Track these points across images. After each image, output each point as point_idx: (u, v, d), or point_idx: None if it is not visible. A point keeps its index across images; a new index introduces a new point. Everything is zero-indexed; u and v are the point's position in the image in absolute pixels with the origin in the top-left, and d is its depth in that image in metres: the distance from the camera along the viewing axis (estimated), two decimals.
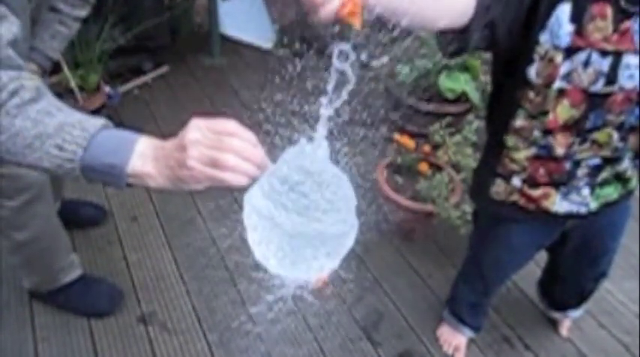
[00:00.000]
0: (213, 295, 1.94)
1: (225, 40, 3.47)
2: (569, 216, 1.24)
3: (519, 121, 1.10)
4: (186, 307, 1.89)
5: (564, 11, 0.91)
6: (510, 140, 1.15)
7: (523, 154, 1.14)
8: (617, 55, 0.95)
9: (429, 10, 0.82)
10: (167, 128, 2.75)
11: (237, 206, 2.30)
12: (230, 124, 0.68)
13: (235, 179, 0.67)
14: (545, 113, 1.05)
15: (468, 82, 2.42)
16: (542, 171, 1.15)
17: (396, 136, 2.36)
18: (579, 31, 0.93)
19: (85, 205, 2.17)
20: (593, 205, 1.21)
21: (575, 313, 1.84)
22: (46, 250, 1.65)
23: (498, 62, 1.14)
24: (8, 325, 1.77)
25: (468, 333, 1.79)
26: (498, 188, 1.25)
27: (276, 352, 1.77)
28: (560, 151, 1.10)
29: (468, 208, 2.06)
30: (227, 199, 2.35)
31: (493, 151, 1.22)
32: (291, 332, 1.84)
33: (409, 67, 2.51)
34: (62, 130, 0.70)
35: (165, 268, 2.02)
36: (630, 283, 2.10)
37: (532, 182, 1.19)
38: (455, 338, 1.80)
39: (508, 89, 1.11)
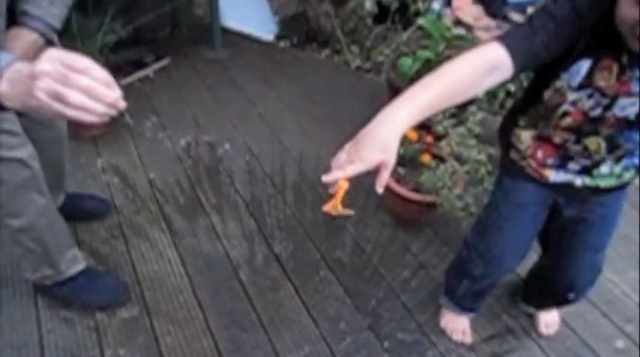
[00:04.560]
0: (217, 287, 1.95)
1: (227, 32, 3.46)
2: (566, 185, 1.38)
3: (532, 110, 1.34)
4: (190, 300, 1.90)
5: (585, 64, 1.13)
6: (522, 120, 1.37)
7: (529, 133, 1.36)
8: (615, 97, 1.15)
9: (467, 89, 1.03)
10: (169, 121, 2.76)
11: (240, 200, 2.31)
12: (83, 61, 0.67)
13: (80, 116, 0.66)
14: (550, 119, 1.28)
15: None
16: (539, 153, 1.35)
17: None
18: (589, 76, 1.14)
19: (88, 199, 2.18)
20: (587, 181, 1.36)
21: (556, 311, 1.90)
22: (44, 241, 1.64)
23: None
24: (13, 318, 1.78)
25: (470, 314, 1.85)
26: (519, 146, 1.42)
27: (280, 344, 1.79)
28: (557, 140, 1.31)
29: (471, 199, 2.07)
30: (231, 192, 2.36)
31: (509, 125, 1.44)
32: (294, 324, 1.85)
33: (411, 59, 2.50)
34: None
35: (169, 261, 2.03)
36: (632, 272, 2.10)
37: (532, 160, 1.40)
38: (459, 323, 1.85)
39: (528, 90, 1.36)
